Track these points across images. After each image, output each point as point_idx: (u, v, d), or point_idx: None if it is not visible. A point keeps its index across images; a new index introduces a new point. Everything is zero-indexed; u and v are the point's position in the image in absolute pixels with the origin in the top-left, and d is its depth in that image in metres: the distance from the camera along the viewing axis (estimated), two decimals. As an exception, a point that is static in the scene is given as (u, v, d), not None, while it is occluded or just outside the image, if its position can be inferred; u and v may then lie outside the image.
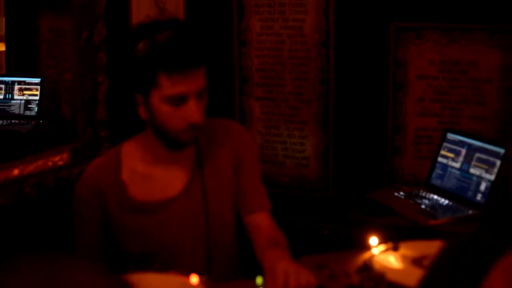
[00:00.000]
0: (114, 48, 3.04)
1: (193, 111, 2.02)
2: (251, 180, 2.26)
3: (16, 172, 2.75)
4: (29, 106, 3.71)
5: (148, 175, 2.16)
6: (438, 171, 3.15)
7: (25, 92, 3.73)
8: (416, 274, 1.87)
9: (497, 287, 0.99)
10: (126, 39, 2.11)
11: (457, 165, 3.07)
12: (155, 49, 2.00)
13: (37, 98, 3.70)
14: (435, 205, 2.98)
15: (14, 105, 3.73)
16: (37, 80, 3.74)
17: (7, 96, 3.76)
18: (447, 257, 1.19)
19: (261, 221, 2.21)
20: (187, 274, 1.88)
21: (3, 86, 3.78)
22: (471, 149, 3.03)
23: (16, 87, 3.75)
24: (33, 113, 3.71)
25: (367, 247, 2.08)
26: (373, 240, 2.07)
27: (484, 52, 3.33)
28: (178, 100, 2.01)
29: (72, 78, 3.21)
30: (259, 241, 2.15)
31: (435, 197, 3.06)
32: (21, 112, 3.73)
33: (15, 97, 3.74)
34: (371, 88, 3.55)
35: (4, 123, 3.68)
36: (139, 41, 2.03)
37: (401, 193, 3.17)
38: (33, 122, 3.63)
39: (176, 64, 2.00)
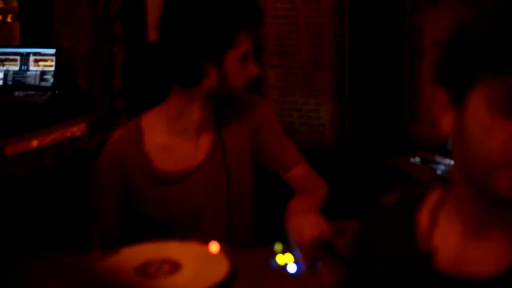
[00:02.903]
0: (130, 19, 3.03)
1: (253, 64, 2.07)
2: (275, 140, 2.28)
3: (35, 143, 2.77)
4: (45, 77, 3.72)
5: (171, 146, 2.16)
6: (454, 136, 3.13)
7: (40, 63, 3.74)
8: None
9: (425, 225, 1.16)
10: (185, 9, 2.02)
11: (474, 130, 3.05)
12: (236, 8, 1.99)
13: (52, 69, 3.71)
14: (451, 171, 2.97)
15: (29, 76, 3.75)
16: (52, 51, 3.74)
17: (22, 68, 3.77)
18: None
19: (297, 175, 2.24)
20: (207, 242, 1.90)
21: (18, 57, 3.80)
22: (488, 114, 3.01)
23: (32, 58, 3.76)
24: (48, 84, 3.72)
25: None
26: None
27: (500, 17, 3.29)
28: (246, 56, 2.04)
29: (89, 48, 3.22)
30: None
31: (452, 162, 3.05)
32: (37, 83, 3.74)
33: (31, 68, 3.76)
34: (387, 55, 3.52)
35: (20, 95, 3.69)
36: (209, 4, 2.00)
37: (418, 159, 3.16)
38: (49, 93, 3.65)
39: (257, 19, 2.05)
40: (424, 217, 1.19)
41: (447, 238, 1.14)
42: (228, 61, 2.01)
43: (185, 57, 2.02)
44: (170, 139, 2.16)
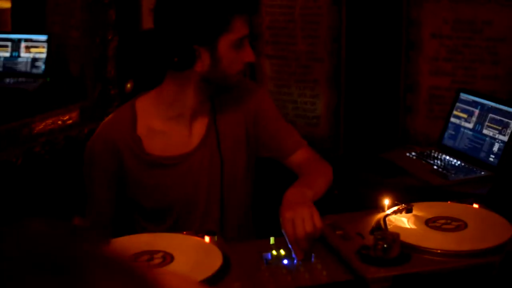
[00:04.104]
0: (124, 6, 3.01)
1: (250, 51, 2.07)
2: (274, 126, 2.27)
3: (26, 131, 2.74)
4: (36, 64, 3.69)
5: (164, 131, 2.15)
6: (450, 131, 3.13)
7: (32, 49, 3.71)
8: (428, 235, 1.87)
9: None
10: None
11: (470, 125, 3.04)
12: None
13: (44, 55, 3.68)
14: (447, 166, 2.97)
15: (21, 63, 3.71)
16: (44, 37, 3.71)
17: (13, 54, 3.74)
18: None
19: (300, 159, 2.23)
20: (199, 233, 1.88)
21: (9, 43, 3.76)
22: (484, 110, 3.00)
23: (23, 44, 3.73)
24: (40, 71, 3.69)
25: (380, 208, 2.07)
26: (386, 200, 2.06)
27: (498, 11, 3.28)
28: (241, 43, 2.03)
29: (81, 35, 3.19)
30: None
31: (447, 157, 3.05)
32: (28, 70, 3.71)
33: (22, 54, 3.72)
34: (384, 47, 3.51)
35: (11, 81, 3.66)
36: None
37: (413, 153, 3.15)
38: (40, 80, 3.62)
39: (252, 5, 2.05)
40: None
41: None
42: (221, 45, 2.01)
43: (178, 39, 2.01)
44: (163, 124, 2.15)
